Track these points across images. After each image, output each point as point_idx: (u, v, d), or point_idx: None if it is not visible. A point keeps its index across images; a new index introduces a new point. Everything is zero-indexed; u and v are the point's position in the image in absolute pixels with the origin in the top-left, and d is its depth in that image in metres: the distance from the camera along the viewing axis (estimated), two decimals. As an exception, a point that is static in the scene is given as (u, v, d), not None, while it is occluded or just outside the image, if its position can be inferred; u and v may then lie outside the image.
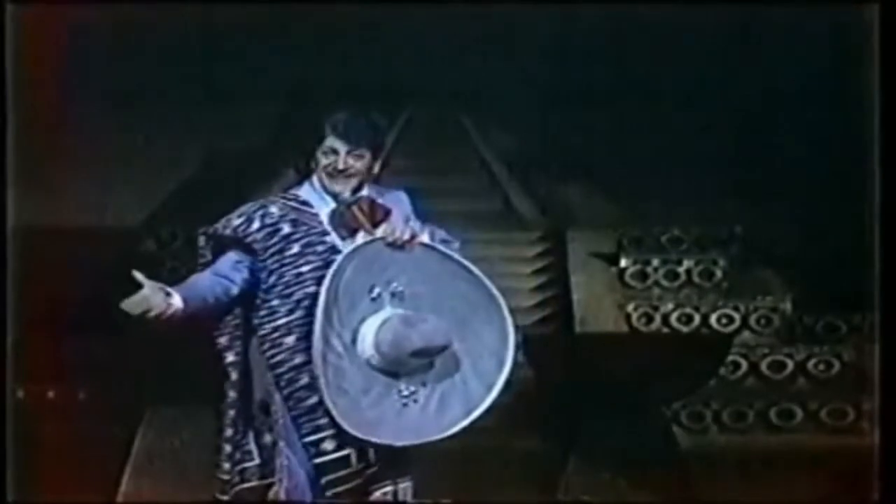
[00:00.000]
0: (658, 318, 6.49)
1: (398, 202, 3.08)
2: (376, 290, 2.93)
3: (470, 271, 2.97)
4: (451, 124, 7.36)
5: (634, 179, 6.99)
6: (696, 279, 6.68)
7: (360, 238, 2.99)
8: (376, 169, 3.09)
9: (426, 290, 2.94)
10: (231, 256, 3.02)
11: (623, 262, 6.72)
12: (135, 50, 6.41)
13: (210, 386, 5.60)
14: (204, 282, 3.02)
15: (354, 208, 3.00)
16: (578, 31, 6.58)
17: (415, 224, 3.03)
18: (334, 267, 2.91)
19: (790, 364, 6.24)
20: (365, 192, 3.05)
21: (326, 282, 2.90)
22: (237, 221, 3.03)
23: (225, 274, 3.01)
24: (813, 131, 6.72)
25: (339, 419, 2.85)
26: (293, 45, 6.69)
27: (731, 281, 6.66)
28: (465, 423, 2.92)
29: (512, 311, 2.99)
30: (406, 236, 2.96)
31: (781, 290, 6.56)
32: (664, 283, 6.69)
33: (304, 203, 3.04)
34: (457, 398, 2.92)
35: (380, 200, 3.04)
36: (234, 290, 2.99)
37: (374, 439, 2.87)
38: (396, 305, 2.91)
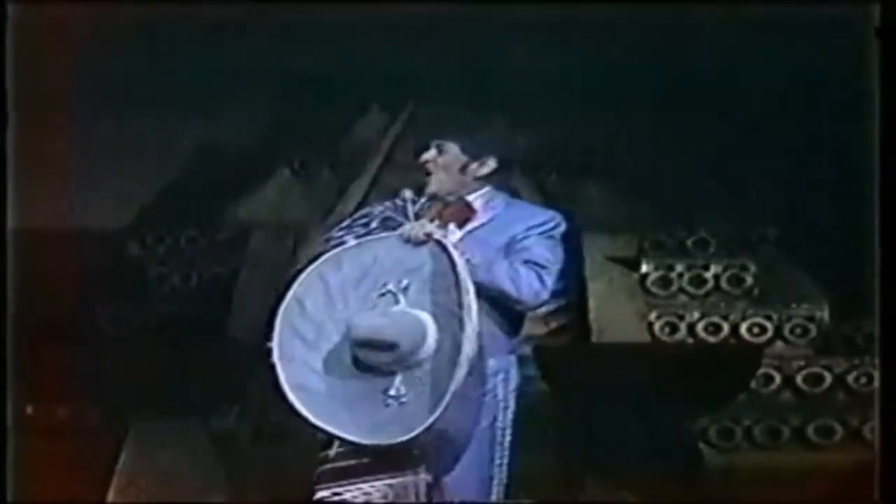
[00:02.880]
0: (683, 327, 6.51)
1: (517, 213, 3.21)
2: (386, 287, 3.07)
3: (458, 277, 3.05)
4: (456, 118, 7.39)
5: (656, 177, 7.03)
6: (724, 285, 6.70)
7: (373, 234, 3.18)
8: (479, 170, 3.22)
9: (427, 290, 3.06)
10: None
11: (644, 268, 6.74)
12: (127, 49, 6.54)
13: (198, 400, 5.69)
14: None
15: (409, 204, 3.21)
16: (594, 25, 6.67)
17: (452, 228, 3.16)
18: (328, 255, 3.12)
19: (828, 377, 6.28)
20: (480, 194, 3.20)
21: (318, 262, 3.11)
22: (338, 234, 3.29)
23: None
24: (849, 130, 6.76)
25: (297, 404, 3.02)
26: (288, 42, 6.79)
27: (762, 287, 6.67)
28: (411, 435, 3.00)
29: (461, 325, 3.04)
30: (421, 235, 3.09)
31: (818, 296, 6.57)
32: (690, 289, 6.71)
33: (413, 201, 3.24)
34: (425, 403, 3.02)
35: (494, 206, 3.19)
36: None
37: (335, 431, 3.01)
38: (408, 303, 3.05)
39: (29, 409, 5.37)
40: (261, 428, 5.62)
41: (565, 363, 5.93)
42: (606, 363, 5.82)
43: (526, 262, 3.13)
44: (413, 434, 2.98)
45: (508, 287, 3.10)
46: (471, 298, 2.99)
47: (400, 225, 3.17)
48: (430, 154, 3.22)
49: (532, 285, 3.12)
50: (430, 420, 2.97)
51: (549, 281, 3.15)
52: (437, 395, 2.98)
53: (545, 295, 3.15)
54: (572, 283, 6.82)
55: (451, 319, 3.01)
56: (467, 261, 3.07)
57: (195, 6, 6.24)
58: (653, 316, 6.53)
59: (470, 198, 3.21)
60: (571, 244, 7.02)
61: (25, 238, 4.70)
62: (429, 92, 7.08)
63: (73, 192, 6.67)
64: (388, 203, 3.26)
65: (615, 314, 6.55)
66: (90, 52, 6.20)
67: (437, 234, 3.08)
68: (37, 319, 4.97)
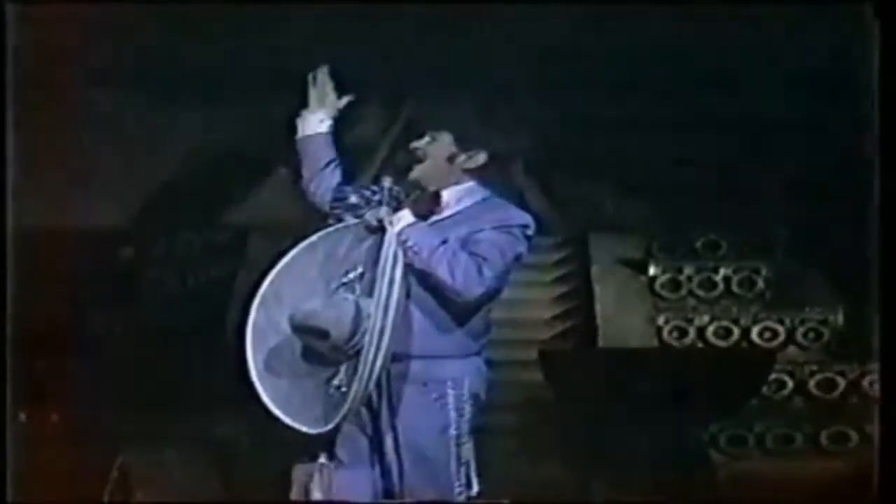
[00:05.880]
0: (692, 332, 6.56)
1: (488, 210, 3.22)
2: (349, 275, 3.15)
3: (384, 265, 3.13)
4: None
5: (665, 177, 7.04)
6: (734, 288, 6.74)
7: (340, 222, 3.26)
8: (466, 163, 3.24)
9: (376, 277, 3.12)
10: None
11: (653, 270, 6.78)
12: (124, 50, 6.61)
13: (195, 406, 5.72)
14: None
15: (384, 192, 3.22)
16: (602, 25, 6.72)
17: (406, 215, 3.19)
18: (311, 239, 3.19)
19: (842, 382, 6.32)
20: (457, 188, 3.23)
21: (296, 250, 3.18)
22: (347, 188, 3.35)
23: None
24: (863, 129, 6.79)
25: (261, 391, 3.12)
26: (286, 40, 6.82)
27: (774, 290, 6.73)
28: (328, 427, 3.07)
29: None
30: (374, 221, 3.16)
31: (832, 300, 6.62)
32: (699, 293, 6.75)
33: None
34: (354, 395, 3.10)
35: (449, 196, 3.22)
36: None
37: (288, 420, 3.09)
38: (363, 290, 3.12)
39: (21, 416, 5.38)
40: (261, 435, 5.65)
41: (571, 368, 5.96)
42: (613, 368, 5.84)
43: (471, 253, 3.13)
44: (329, 427, 3.04)
45: (443, 274, 3.10)
46: (384, 284, 3.05)
47: (399, 209, 3.21)
48: (422, 142, 3.25)
49: (468, 274, 3.10)
50: (340, 415, 3.03)
51: (489, 274, 3.12)
52: (359, 388, 3.04)
53: (480, 287, 3.12)
54: (578, 286, 6.85)
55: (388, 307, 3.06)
56: (409, 247, 3.11)
57: (193, 6, 6.28)
58: (661, 320, 6.58)
59: (445, 192, 3.23)
60: (577, 246, 7.14)
61: (16, 240, 4.74)
62: (430, 91, 7.11)
63: (64, 194, 6.70)
64: (373, 188, 3.29)
65: (622, 318, 6.59)
66: (89, 53, 6.25)
67: (386, 221, 3.13)
68: (28, 323, 4.99)
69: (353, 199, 3.27)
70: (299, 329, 3.08)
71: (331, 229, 3.22)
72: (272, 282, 3.17)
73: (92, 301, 6.30)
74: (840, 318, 6.54)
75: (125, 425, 5.63)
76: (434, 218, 3.21)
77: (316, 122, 3.44)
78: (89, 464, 5.35)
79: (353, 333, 3.04)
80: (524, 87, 7.03)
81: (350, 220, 3.24)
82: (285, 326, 3.12)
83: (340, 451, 3.15)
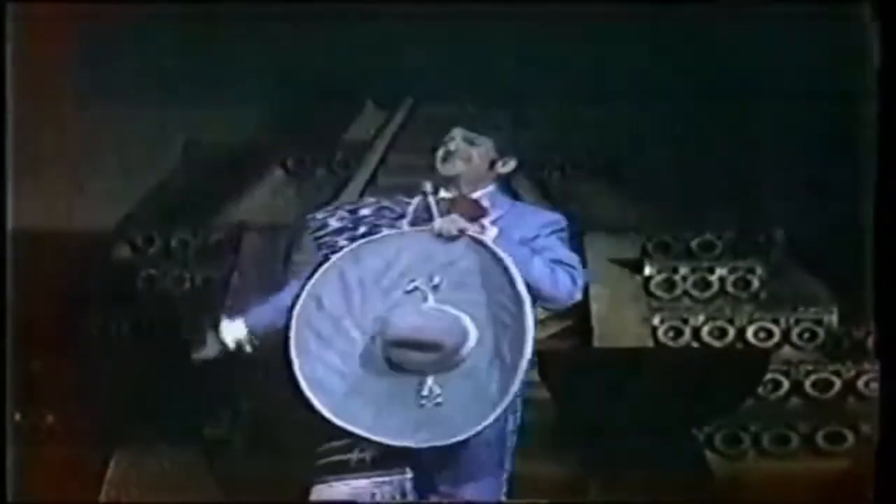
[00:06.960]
0: (688, 332, 6.56)
1: (522, 213, 3.27)
2: (414, 284, 3.11)
3: (510, 276, 3.09)
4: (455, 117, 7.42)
5: (661, 177, 7.05)
6: (730, 288, 6.74)
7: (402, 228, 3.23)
8: (502, 168, 3.29)
9: (462, 287, 3.10)
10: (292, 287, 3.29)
11: (648, 270, 6.78)
12: (120, 48, 6.67)
13: (190, 407, 5.72)
14: (267, 315, 3.31)
15: (430, 197, 3.23)
16: (596, 23, 6.73)
17: (488, 225, 3.20)
18: (351, 247, 3.18)
19: (838, 382, 6.32)
20: (484, 192, 3.25)
21: (335, 258, 3.17)
22: (320, 216, 3.32)
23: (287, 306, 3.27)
24: (862, 129, 6.80)
25: (314, 400, 3.08)
26: (281, 39, 6.83)
27: (769, 290, 6.72)
28: (458, 438, 3.04)
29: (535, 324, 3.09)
30: (454, 230, 3.13)
31: (827, 300, 6.62)
32: (694, 293, 6.75)
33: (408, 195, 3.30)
34: (474, 406, 3.05)
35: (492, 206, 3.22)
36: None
37: (356, 430, 3.06)
38: (438, 300, 3.09)
39: (17, 416, 5.38)
40: (254, 436, 5.65)
41: (567, 368, 5.95)
42: (609, 368, 5.84)
43: (553, 261, 3.17)
44: (460, 437, 3.01)
45: (546, 286, 3.13)
46: (526, 296, 3.03)
47: (398, 218, 3.21)
48: (461, 143, 3.24)
49: (566, 284, 3.16)
50: (484, 423, 3.00)
51: (580, 281, 3.19)
52: (483, 399, 3.01)
53: (578, 294, 3.19)
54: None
55: (493, 318, 3.04)
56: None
57: (188, 4, 6.31)
58: (656, 320, 6.58)
59: (482, 197, 3.24)
60: (573, 245, 7.12)
61: (13, 240, 4.75)
62: (425, 89, 7.11)
63: (58, 193, 6.69)
64: (400, 198, 3.29)
65: (618, 318, 6.58)
66: (85, 52, 6.27)
67: (472, 230, 3.12)
68: (24, 323, 5.00)
69: (334, 223, 3.26)
70: (403, 343, 3.04)
71: (374, 237, 3.18)
72: (310, 291, 3.14)
73: (88, 301, 6.30)
74: (835, 318, 6.53)
75: (121, 426, 5.63)
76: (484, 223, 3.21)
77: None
78: (85, 464, 5.35)
79: (462, 345, 3.04)
80: (520, 87, 7.05)
81: (389, 229, 3.19)
82: (331, 332, 3.09)
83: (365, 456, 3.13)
